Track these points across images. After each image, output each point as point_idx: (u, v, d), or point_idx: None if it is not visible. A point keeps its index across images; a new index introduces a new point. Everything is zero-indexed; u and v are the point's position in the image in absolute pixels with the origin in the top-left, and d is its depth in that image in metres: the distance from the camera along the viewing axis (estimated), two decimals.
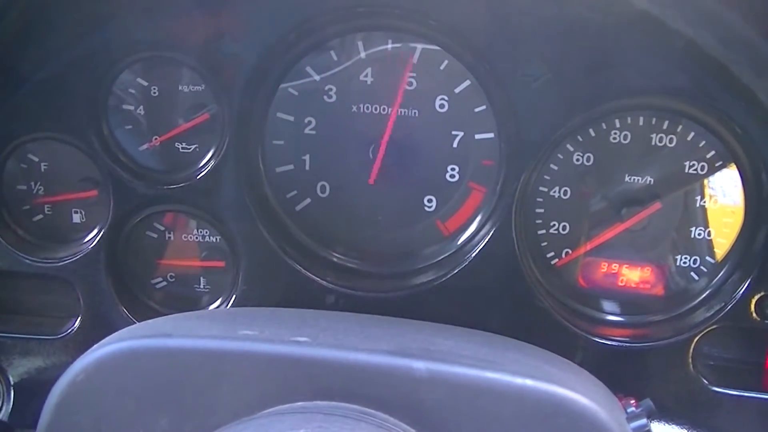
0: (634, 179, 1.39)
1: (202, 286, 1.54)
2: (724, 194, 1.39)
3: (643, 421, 1.01)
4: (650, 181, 1.39)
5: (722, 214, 1.40)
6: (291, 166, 1.46)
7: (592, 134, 1.38)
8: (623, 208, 1.40)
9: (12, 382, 1.51)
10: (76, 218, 1.51)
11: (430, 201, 1.45)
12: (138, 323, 1.20)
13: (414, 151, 1.43)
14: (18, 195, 1.50)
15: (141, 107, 1.44)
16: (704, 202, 1.40)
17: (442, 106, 1.39)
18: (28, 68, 1.37)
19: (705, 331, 1.37)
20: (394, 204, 1.46)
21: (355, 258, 1.49)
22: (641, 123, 1.36)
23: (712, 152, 1.36)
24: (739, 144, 1.33)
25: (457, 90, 1.38)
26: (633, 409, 1.04)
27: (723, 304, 1.37)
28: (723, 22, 1.09)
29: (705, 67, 1.22)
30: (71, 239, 1.52)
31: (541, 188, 1.42)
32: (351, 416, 0.92)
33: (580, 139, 1.38)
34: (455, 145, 1.41)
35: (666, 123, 1.36)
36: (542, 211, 1.43)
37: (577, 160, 1.40)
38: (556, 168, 1.40)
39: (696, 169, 1.38)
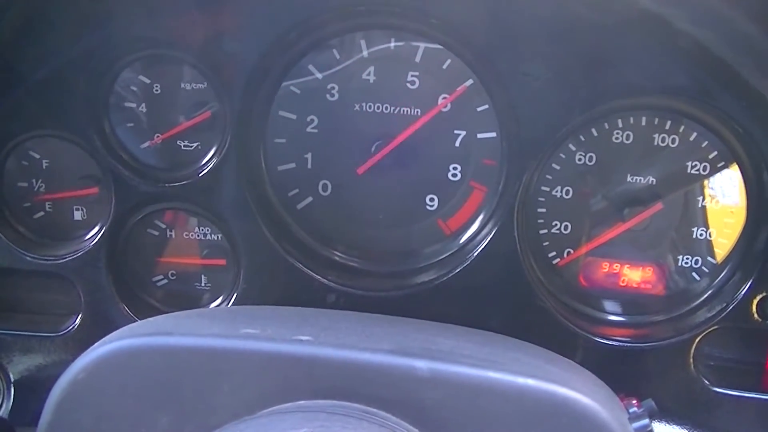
0: (636, 179, 1.39)
1: (203, 284, 1.54)
2: (726, 194, 1.39)
3: (645, 421, 1.00)
4: (652, 181, 1.39)
5: (724, 215, 1.40)
6: (293, 165, 1.46)
7: (595, 134, 1.38)
8: (625, 208, 1.40)
9: (12, 380, 1.51)
10: (77, 216, 1.51)
11: (431, 200, 1.45)
12: (139, 321, 1.20)
13: (416, 150, 1.42)
14: (19, 192, 1.50)
15: (143, 105, 1.44)
16: (706, 202, 1.40)
17: (444, 105, 1.39)
18: (29, 66, 1.37)
19: (706, 332, 1.37)
20: (396, 203, 1.46)
21: (356, 257, 1.49)
22: (643, 123, 1.36)
23: (714, 152, 1.36)
24: (741, 144, 1.33)
25: (459, 89, 1.38)
26: (635, 409, 1.03)
27: (724, 304, 1.37)
28: (728, 22, 1.09)
29: (707, 66, 1.22)
30: (72, 237, 1.52)
31: (543, 188, 1.41)
32: (353, 415, 0.92)
33: (582, 139, 1.38)
34: (457, 144, 1.41)
35: (668, 123, 1.36)
36: (544, 210, 1.43)
37: (579, 159, 1.40)
38: (558, 167, 1.40)
39: (698, 170, 1.38)
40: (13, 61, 1.36)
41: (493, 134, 1.40)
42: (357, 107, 1.41)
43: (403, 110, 1.40)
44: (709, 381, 1.38)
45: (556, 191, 1.42)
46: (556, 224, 1.43)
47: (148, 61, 1.41)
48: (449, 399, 0.95)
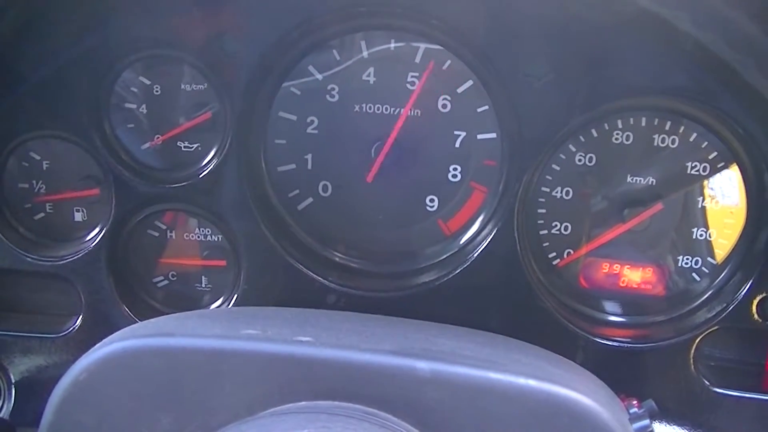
0: (636, 180, 1.39)
1: (203, 285, 1.54)
2: (726, 195, 1.39)
3: (646, 421, 1.01)
4: (652, 181, 1.39)
5: (724, 215, 1.41)
6: (293, 166, 1.46)
7: (595, 134, 1.38)
8: (625, 209, 1.40)
9: (13, 381, 1.51)
10: (78, 217, 1.51)
11: (432, 201, 1.45)
12: (140, 322, 1.20)
13: (416, 151, 1.43)
14: (20, 193, 1.50)
15: (143, 106, 1.44)
16: (706, 202, 1.40)
17: (444, 106, 1.39)
18: (30, 67, 1.37)
19: (706, 332, 1.37)
20: (396, 204, 1.46)
21: (356, 257, 1.49)
22: (643, 123, 1.37)
23: (714, 153, 1.36)
24: (741, 145, 1.33)
25: (459, 90, 1.38)
26: (635, 409, 1.04)
27: (724, 305, 1.37)
28: (728, 22, 1.09)
29: (708, 67, 1.23)
30: (73, 238, 1.52)
31: (543, 188, 1.42)
32: (354, 416, 0.92)
33: (582, 140, 1.38)
34: (457, 145, 1.41)
35: (668, 124, 1.36)
36: (544, 211, 1.43)
37: (579, 160, 1.40)
38: (558, 168, 1.40)
39: (698, 170, 1.38)
40: (14, 62, 1.36)
41: (493, 135, 1.40)
42: (357, 108, 1.41)
43: (403, 111, 1.40)
44: (709, 381, 1.38)
45: (557, 192, 1.42)
46: (556, 225, 1.43)
47: (149, 62, 1.41)
48: (450, 400, 0.96)
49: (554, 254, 1.46)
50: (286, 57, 1.38)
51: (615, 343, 1.39)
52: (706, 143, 1.36)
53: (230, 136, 1.38)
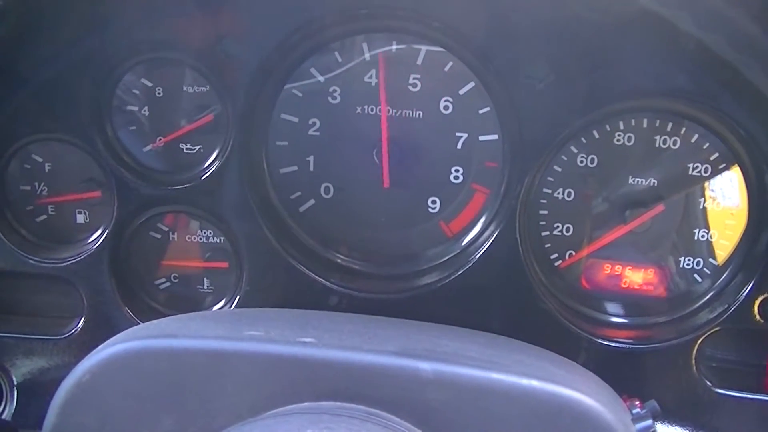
0: (637, 181, 1.40)
1: (205, 287, 1.54)
2: (727, 196, 1.39)
3: (649, 422, 1.01)
4: (654, 183, 1.39)
5: (725, 216, 1.41)
6: (295, 168, 1.46)
7: (596, 136, 1.38)
8: (626, 210, 1.40)
9: (15, 383, 1.51)
10: (80, 219, 1.51)
11: (433, 202, 1.46)
12: (143, 324, 1.20)
13: (418, 153, 1.43)
14: (22, 195, 1.50)
15: (145, 108, 1.44)
16: (707, 204, 1.40)
17: (446, 107, 1.40)
18: (31, 69, 1.37)
19: (708, 333, 1.37)
20: (398, 205, 1.47)
21: (358, 259, 1.49)
22: (645, 125, 1.37)
23: (716, 154, 1.37)
24: (742, 146, 1.33)
25: (461, 92, 1.38)
26: (638, 410, 1.04)
27: (726, 306, 1.37)
28: (731, 22, 1.09)
29: (709, 68, 1.23)
30: (75, 240, 1.52)
31: (544, 190, 1.42)
32: (357, 417, 0.92)
33: (584, 141, 1.38)
34: (459, 146, 1.41)
35: (669, 125, 1.36)
36: (546, 212, 1.43)
37: (581, 161, 1.40)
38: (559, 170, 1.40)
39: (699, 172, 1.38)
40: (15, 65, 1.36)
41: (495, 136, 1.40)
42: (359, 110, 1.41)
43: (405, 113, 1.41)
44: (711, 382, 1.38)
45: (558, 193, 1.42)
46: (558, 226, 1.44)
47: (151, 65, 1.42)
48: (453, 400, 0.96)
49: (556, 255, 1.46)
50: (287, 59, 1.38)
51: (617, 344, 1.39)
52: (707, 144, 1.36)
53: (232, 138, 1.39)
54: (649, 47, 1.26)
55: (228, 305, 1.51)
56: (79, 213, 1.51)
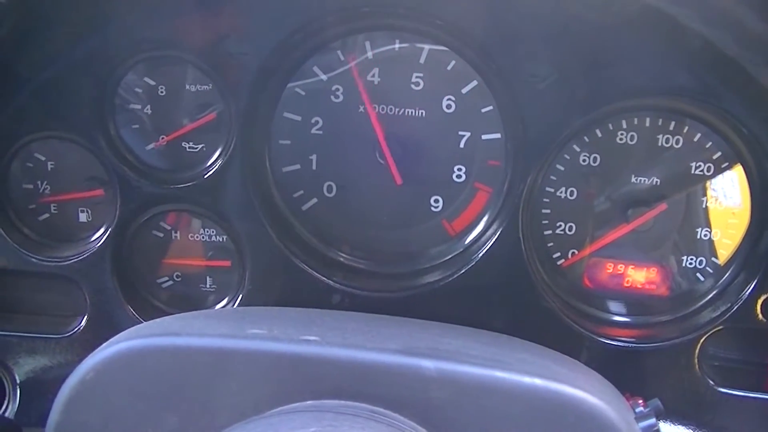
0: (640, 180, 1.40)
1: (208, 286, 1.54)
2: (730, 195, 1.39)
3: (652, 420, 1.01)
4: (656, 182, 1.39)
5: (728, 215, 1.41)
6: (297, 166, 1.46)
7: (599, 135, 1.38)
8: (629, 209, 1.40)
9: (18, 381, 1.51)
10: (83, 217, 1.51)
11: (436, 201, 1.46)
12: (146, 322, 1.20)
13: (420, 152, 1.43)
14: (24, 194, 1.50)
15: (148, 106, 1.44)
16: (710, 203, 1.40)
17: (449, 106, 1.40)
18: (33, 68, 1.37)
19: (711, 332, 1.37)
20: (401, 204, 1.47)
21: (361, 258, 1.49)
22: (647, 124, 1.37)
23: (719, 153, 1.37)
24: (745, 145, 1.33)
25: (464, 90, 1.38)
26: (641, 408, 1.04)
27: (729, 305, 1.37)
28: (739, 20, 1.09)
29: (713, 66, 1.23)
30: (77, 238, 1.52)
31: (547, 189, 1.42)
32: (361, 415, 0.92)
33: (587, 140, 1.38)
34: (462, 145, 1.41)
35: (672, 124, 1.36)
36: (548, 211, 1.43)
37: (584, 160, 1.40)
38: (562, 168, 1.40)
39: (702, 170, 1.38)
40: (17, 64, 1.36)
41: (498, 135, 1.40)
42: (361, 108, 1.41)
43: (408, 111, 1.40)
44: (714, 381, 1.39)
45: (561, 192, 1.42)
46: (560, 225, 1.44)
47: (153, 63, 1.42)
48: (456, 398, 0.96)
49: (558, 254, 1.46)
50: (290, 58, 1.38)
51: (619, 343, 1.39)
52: (710, 143, 1.36)
53: (235, 137, 1.38)
54: (652, 46, 1.26)
55: (230, 304, 1.51)
56: (82, 211, 1.51)
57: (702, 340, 1.37)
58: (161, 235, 1.51)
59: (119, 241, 1.47)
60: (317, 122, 1.43)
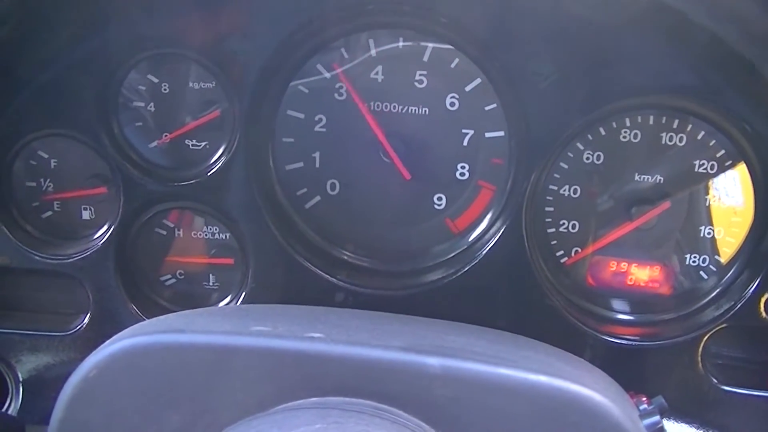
0: (643, 178, 1.39)
1: (211, 284, 1.55)
2: (733, 193, 1.39)
3: (656, 417, 1.01)
4: (660, 180, 1.39)
5: (731, 214, 1.41)
6: (301, 164, 1.46)
7: (602, 133, 1.38)
8: (632, 207, 1.40)
9: (21, 379, 1.51)
10: (86, 215, 1.51)
11: (439, 199, 1.46)
12: (149, 319, 1.20)
13: (424, 150, 1.43)
14: (27, 192, 1.50)
15: (151, 104, 1.44)
16: (713, 201, 1.40)
17: (452, 104, 1.39)
18: (36, 67, 1.37)
19: (714, 330, 1.37)
20: (404, 202, 1.46)
21: (364, 256, 1.49)
22: (651, 122, 1.37)
23: (722, 151, 1.36)
24: (748, 143, 1.33)
25: (467, 88, 1.38)
26: (645, 406, 1.04)
27: (732, 303, 1.37)
28: (747, 15, 1.08)
29: (716, 64, 1.23)
30: (80, 236, 1.52)
31: (550, 187, 1.42)
32: (366, 412, 0.92)
33: (590, 138, 1.38)
34: (465, 143, 1.41)
35: (676, 122, 1.36)
36: (552, 209, 1.43)
37: (587, 158, 1.40)
38: (566, 166, 1.40)
39: (706, 169, 1.38)
40: (20, 63, 1.36)
41: (501, 133, 1.40)
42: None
43: (411, 109, 1.40)
44: (717, 379, 1.38)
45: (564, 190, 1.42)
46: (563, 223, 1.44)
47: (157, 61, 1.42)
48: (461, 396, 0.96)
49: (562, 252, 1.46)
50: (294, 56, 1.38)
51: (623, 341, 1.39)
52: (713, 141, 1.36)
53: (238, 135, 1.38)
54: (655, 44, 1.26)
55: (234, 301, 1.51)
56: (85, 209, 1.51)
57: (705, 339, 1.37)
58: (164, 232, 1.51)
59: (122, 239, 1.47)
60: (320, 120, 1.43)
